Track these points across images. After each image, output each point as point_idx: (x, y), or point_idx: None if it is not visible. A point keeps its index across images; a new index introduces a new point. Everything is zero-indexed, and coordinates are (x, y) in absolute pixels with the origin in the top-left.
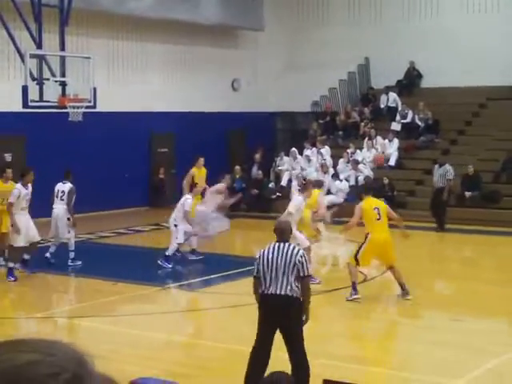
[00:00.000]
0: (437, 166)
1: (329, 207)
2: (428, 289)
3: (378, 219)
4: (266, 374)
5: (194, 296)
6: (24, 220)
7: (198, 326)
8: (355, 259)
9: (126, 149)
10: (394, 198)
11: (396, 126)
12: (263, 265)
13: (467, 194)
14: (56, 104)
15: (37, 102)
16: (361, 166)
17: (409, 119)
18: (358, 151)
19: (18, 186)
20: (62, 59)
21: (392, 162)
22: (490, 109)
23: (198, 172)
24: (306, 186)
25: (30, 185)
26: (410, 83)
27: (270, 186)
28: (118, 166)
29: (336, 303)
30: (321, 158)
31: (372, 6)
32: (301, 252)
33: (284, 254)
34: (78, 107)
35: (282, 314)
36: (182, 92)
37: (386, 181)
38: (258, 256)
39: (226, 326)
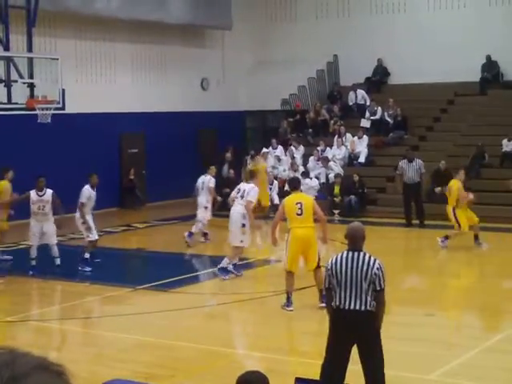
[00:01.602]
0: (406, 161)
1: None
2: (401, 285)
3: (299, 214)
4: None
5: (166, 297)
6: None
7: (171, 327)
8: (286, 269)
9: (96, 150)
10: (365, 195)
11: (365, 123)
12: (336, 277)
13: (437, 189)
14: (24, 106)
15: (5, 104)
16: (331, 164)
17: (378, 116)
18: (328, 149)
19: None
20: (30, 60)
21: (362, 159)
22: (458, 105)
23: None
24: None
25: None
26: (378, 80)
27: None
28: (87, 167)
29: (309, 301)
30: (290, 156)
31: (340, 2)
32: (377, 263)
33: (360, 266)
34: (46, 109)
35: (361, 330)
36: (151, 92)
37: (356, 178)
38: (328, 266)
39: (200, 326)
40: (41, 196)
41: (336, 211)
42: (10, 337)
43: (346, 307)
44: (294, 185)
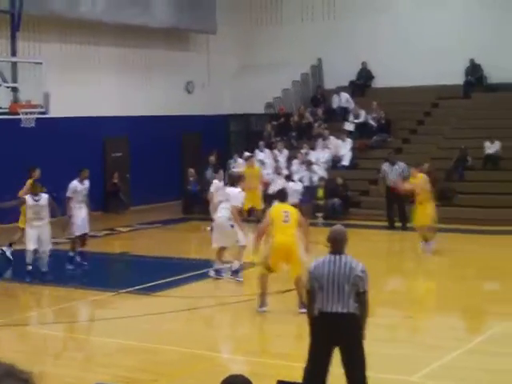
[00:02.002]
0: (388, 164)
1: None
2: (382, 287)
3: (285, 221)
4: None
5: (149, 300)
6: None
7: (153, 331)
8: (266, 266)
9: (80, 154)
10: (349, 198)
11: (349, 126)
12: (318, 280)
13: None
14: (8, 110)
15: None
16: (315, 167)
17: (362, 119)
18: (311, 152)
19: None
20: (14, 65)
21: (346, 162)
22: (441, 108)
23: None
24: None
25: None
26: (362, 83)
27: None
28: (71, 171)
29: (290, 303)
30: (273, 159)
31: (325, 5)
32: (360, 266)
33: (342, 268)
34: (30, 113)
35: (343, 333)
36: (136, 95)
37: (340, 181)
38: (311, 269)
39: (183, 329)
40: (37, 201)
41: (319, 214)
42: None
43: (329, 310)
44: (282, 197)
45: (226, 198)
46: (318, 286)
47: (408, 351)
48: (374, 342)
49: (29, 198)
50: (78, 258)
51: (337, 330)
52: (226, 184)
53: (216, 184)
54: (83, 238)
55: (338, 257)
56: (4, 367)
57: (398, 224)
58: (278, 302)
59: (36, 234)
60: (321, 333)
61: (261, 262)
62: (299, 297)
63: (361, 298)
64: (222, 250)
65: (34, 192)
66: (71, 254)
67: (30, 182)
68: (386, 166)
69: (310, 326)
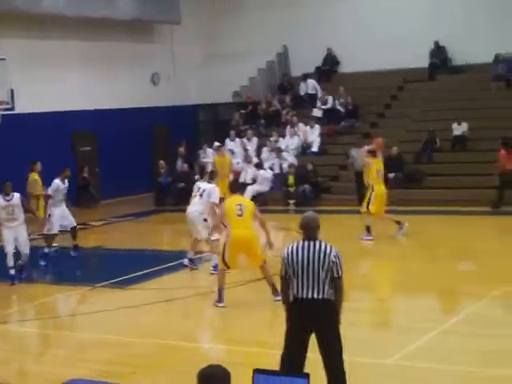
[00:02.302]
0: (357, 149)
1: (254, 197)
2: (355, 271)
3: (239, 215)
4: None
5: (124, 294)
6: None
7: (129, 324)
8: (223, 262)
9: (49, 149)
10: (319, 184)
11: (317, 113)
12: (292, 266)
13: (390, 175)
14: None
15: None
16: (285, 154)
17: (329, 105)
18: (280, 139)
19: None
20: None
21: (315, 148)
22: (407, 91)
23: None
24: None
25: None
26: (328, 69)
27: (196, 178)
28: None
29: (265, 292)
30: (242, 148)
31: None
32: (334, 251)
33: (316, 254)
34: None
35: (318, 319)
36: (102, 89)
37: (310, 167)
38: (284, 256)
39: (159, 321)
40: (8, 201)
41: (291, 201)
42: None
43: (304, 296)
44: (235, 189)
45: (199, 193)
46: (292, 272)
47: (383, 334)
48: (350, 327)
49: (0, 199)
50: (72, 253)
51: (312, 316)
52: (196, 175)
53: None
54: (73, 232)
55: (311, 242)
56: None
57: None
58: (252, 290)
59: (12, 235)
60: (296, 319)
61: (219, 258)
62: (270, 285)
63: (336, 283)
64: (196, 240)
65: (6, 192)
66: (46, 250)
67: (33, 176)
68: (353, 152)
69: (286, 313)
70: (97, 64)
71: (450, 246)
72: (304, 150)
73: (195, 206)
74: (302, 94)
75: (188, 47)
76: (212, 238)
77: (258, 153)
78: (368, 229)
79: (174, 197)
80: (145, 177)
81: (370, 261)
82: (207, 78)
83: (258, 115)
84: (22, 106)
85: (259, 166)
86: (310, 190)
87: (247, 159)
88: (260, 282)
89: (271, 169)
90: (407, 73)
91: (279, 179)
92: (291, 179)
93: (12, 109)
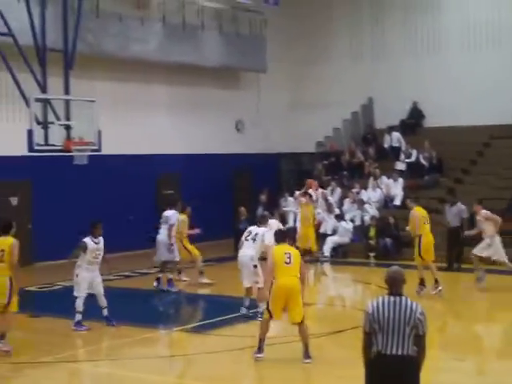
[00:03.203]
0: (448, 206)
1: (334, 248)
2: (438, 329)
3: (288, 263)
4: None
5: (200, 339)
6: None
7: (205, 369)
8: (267, 310)
9: (133, 191)
10: (400, 238)
11: (400, 166)
12: (378, 321)
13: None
14: (61, 147)
15: (42, 145)
16: (367, 206)
17: (413, 158)
18: (363, 191)
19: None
20: (67, 103)
21: (397, 202)
22: (494, 147)
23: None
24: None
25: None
26: (413, 123)
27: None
28: (124, 208)
29: (341, 344)
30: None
31: (374, 45)
32: (420, 308)
33: (403, 310)
34: (83, 150)
35: (403, 376)
36: (186, 134)
37: (391, 220)
38: (369, 310)
39: (235, 368)
40: (97, 243)
41: (371, 254)
42: (45, 377)
43: (388, 352)
44: (282, 237)
45: (251, 237)
46: (377, 327)
47: None
48: None
49: (89, 241)
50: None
51: (396, 373)
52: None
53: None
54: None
55: (397, 298)
56: None
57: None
58: (325, 344)
59: (89, 280)
60: (380, 375)
61: (264, 306)
62: (304, 346)
63: (420, 340)
64: (249, 288)
65: (97, 233)
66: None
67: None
68: (446, 208)
69: (366, 369)
70: (183, 109)
71: None
72: (386, 202)
73: (247, 250)
74: (386, 146)
75: (273, 95)
76: (258, 286)
77: (340, 204)
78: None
79: None
80: (226, 222)
81: (453, 320)
82: (291, 127)
83: (340, 166)
84: (108, 148)
85: (340, 217)
86: (391, 243)
87: (330, 209)
88: (341, 334)
89: (352, 221)
90: (494, 129)
91: (360, 231)
92: (372, 231)
93: (99, 150)
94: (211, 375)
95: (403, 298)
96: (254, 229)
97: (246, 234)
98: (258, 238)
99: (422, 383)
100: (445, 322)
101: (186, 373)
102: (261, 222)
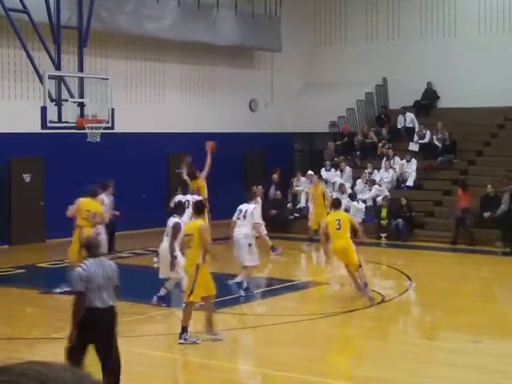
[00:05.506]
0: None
1: None
2: (449, 310)
3: (338, 229)
4: None
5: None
6: None
7: (213, 347)
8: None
9: (143, 169)
10: (413, 219)
11: (414, 147)
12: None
13: (486, 214)
14: (74, 125)
15: (55, 123)
16: (376, 186)
17: (426, 140)
18: (375, 171)
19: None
20: (81, 80)
21: (410, 183)
22: (508, 129)
23: None
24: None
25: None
26: (427, 104)
27: (288, 206)
28: (134, 186)
29: (352, 324)
30: (338, 178)
31: (390, 25)
32: (114, 265)
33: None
34: (96, 128)
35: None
36: (199, 112)
37: (403, 201)
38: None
39: (244, 346)
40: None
41: (383, 234)
42: (56, 353)
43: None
44: (336, 205)
45: (242, 215)
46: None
47: (473, 376)
48: (439, 366)
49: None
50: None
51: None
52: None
53: None
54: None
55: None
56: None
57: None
58: (341, 322)
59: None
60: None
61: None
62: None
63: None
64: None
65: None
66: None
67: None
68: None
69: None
70: (196, 88)
71: None
72: (398, 183)
73: (241, 229)
74: (400, 127)
75: (287, 75)
76: (247, 264)
77: (352, 184)
78: None
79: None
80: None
81: (465, 301)
82: (305, 107)
83: (353, 146)
84: (121, 126)
85: (352, 197)
86: (403, 224)
87: (342, 189)
88: (352, 313)
89: (364, 201)
90: (508, 111)
91: (372, 212)
92: (384, 212)
93: (111, 128)
94: (220, 353)
95: (102, 258)
96: (243, 206)
97: (237, 212)
98: (248, 214)
99: (437, 365)
100: (459, 304)
101: (194, 350)
102: (251, 198)
